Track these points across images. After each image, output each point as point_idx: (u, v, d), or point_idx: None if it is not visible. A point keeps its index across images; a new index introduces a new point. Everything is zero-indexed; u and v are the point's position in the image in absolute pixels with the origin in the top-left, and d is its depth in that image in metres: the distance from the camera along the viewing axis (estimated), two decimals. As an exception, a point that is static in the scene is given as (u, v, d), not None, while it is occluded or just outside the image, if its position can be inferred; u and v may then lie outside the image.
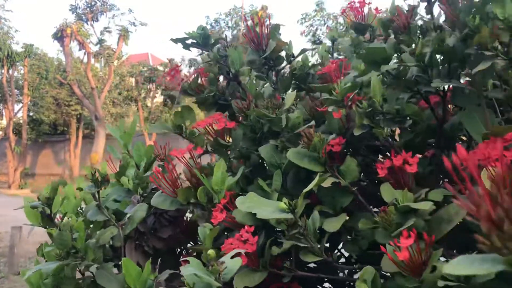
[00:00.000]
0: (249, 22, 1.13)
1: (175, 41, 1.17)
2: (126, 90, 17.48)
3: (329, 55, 1.52)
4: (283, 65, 1.22)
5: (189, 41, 1.17)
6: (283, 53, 1.22)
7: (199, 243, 1.22)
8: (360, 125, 0.90)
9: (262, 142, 1.13)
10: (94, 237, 1.06)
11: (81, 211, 1.29)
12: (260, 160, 1.13)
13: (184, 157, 1.06)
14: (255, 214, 0.97)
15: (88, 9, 15.32)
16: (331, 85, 1.02)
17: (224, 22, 16.21)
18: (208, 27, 16.30)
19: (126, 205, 1.27)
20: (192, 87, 1.17)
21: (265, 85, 1.32)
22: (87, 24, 15.49)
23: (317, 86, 1.03)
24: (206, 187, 0.97)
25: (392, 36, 1.42)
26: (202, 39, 1.16)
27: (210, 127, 1.05)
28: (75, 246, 0.99)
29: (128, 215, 1.05)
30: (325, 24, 16.28)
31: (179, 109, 1.16)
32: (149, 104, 18.33)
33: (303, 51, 1.18)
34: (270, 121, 1.01)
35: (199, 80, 1.20)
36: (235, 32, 15.11)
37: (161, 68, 17.29)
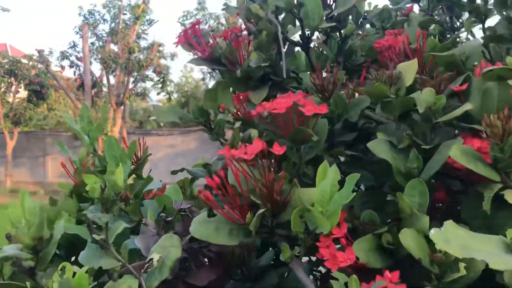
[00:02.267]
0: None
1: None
2: (-17, 84, 15.42)
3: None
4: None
5: (226, -16, 0.78)
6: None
7: None
8: None
9: (336, 137, 0.79)
10: (93, 295, 0.63)
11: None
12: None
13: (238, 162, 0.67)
14: (384, 250, 0.63)
15: None
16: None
17: (100, 15, 15.06)
18: (81, 18, 15.05)
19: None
20: (226, 52, 0.78)
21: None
22: None
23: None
24: (304, 208, 0.60)
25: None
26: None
27: (287, 112, 0.68)
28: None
29: (152, 256, 0.64)
30: (207, 23, 15.98)
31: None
32: (10, 100, 16.39)
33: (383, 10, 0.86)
34: (386, 104, 0.67)
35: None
36: (113, 25, 14.07)
37: (25, 61, 15.52)
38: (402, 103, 0.66)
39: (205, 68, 15.87)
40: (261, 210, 0.61)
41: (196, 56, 0.79)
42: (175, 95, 16.35)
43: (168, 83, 15.06)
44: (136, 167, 0.96)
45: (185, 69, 17.86)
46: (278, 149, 0.64)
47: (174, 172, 1.07)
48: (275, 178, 0.64)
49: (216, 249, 0.70)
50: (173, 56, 15.93)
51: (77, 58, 14.40)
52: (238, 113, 0.89)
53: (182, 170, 1.07)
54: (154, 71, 14.96)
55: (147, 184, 0.93)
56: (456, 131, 0.73)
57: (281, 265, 0.96)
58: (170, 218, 0.71)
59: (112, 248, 0.63)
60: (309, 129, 0.68)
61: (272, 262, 0.89)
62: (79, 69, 14.30)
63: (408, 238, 0.58)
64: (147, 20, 14.74)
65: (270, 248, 0.90)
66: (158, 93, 15.36)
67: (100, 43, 14.51)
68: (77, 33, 14.35)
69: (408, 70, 0.68)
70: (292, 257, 0.61)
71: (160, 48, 14.92)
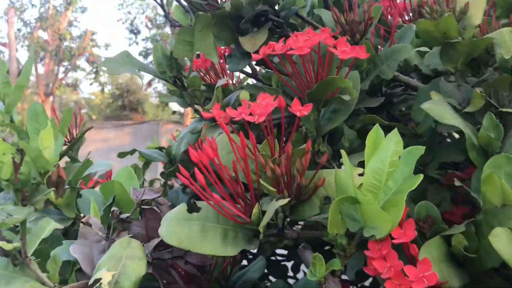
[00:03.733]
0: None
1: None
2: None
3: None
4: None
5: None
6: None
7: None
8: None
9: (358, 103, 0.58)
10: None
11: None
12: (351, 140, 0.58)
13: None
14: (456, 260, 0.43)
15: None
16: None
17: (28, -1, 14.11)
18: (6, 1, 13.93)
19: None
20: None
21: None
22: None
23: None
24: (350, 197, 0.38)
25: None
26: None
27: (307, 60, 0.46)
28: None
29: (100, 274, 0.40)
30: (143, 13, 15.46)
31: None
32: None
33: None
34: (449, 49, 0.46)
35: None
36: (42, 10, 13.15)
37: None
38: (471, 47, 0.46)
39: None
40: (283, 201, 0.38)
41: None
42: (108, 87, 15.61)
43: (101, 73, 14.34)
44: (70, 147, 0.70)
45: (120, 60, 17.11)
46: (299, 108, 0.42)
47: (122, 155, 0.83)
48: (295, 152, 0.42)
49: (197, 261, 0.46)
50: (107, 46, 15.24)
51: (1, 44, 13.39)
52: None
53: (132, 152, 0.82)
54: (86, 61, 14.21)
55: (85, 169, 0.69)
56: None
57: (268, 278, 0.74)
58: (126, 215, 0.46)
59: (33, 263, 0.39)
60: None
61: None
62: (3, 56, 13.29)
63: (503, 242, 0.38)
64: (80, 7, 14.00)
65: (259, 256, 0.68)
66: (91, 84, 14.60)
67: (28, 29, 13.57)
68: (1, 17, 13.34)
69: (475, 5, 0.48)
70: (327, 275, 0.39)
71: (94, 37, 14.20)
